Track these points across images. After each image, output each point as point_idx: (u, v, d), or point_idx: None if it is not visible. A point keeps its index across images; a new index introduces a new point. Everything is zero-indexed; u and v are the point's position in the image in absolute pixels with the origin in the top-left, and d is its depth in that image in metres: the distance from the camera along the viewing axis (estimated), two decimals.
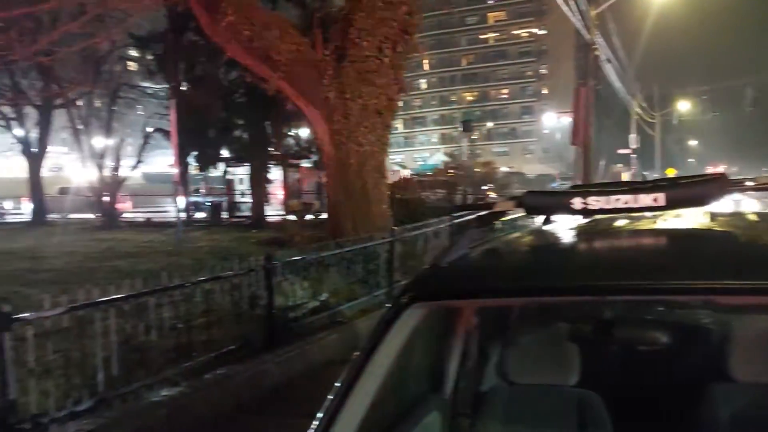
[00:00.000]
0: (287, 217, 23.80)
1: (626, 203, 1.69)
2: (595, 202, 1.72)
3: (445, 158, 27.82)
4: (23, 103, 25.52)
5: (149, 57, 25.67)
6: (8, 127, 26.44)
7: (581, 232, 2.10)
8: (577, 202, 1.74)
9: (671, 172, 33.19)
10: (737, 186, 1.69)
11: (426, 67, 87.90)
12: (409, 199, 14.23)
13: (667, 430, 1.98)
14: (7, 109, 25.65)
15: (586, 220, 2.25)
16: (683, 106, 52.03)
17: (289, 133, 25.86)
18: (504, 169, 45.57)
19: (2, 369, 3.97)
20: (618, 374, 2.20)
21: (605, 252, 1.85)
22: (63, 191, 34.57)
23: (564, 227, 2.14)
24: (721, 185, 1.59)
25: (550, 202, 1.92)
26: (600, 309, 2.15)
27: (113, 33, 22.04)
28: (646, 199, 1.65)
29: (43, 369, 4.43)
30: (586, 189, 1.79)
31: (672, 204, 1.63)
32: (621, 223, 2.13)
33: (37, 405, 4.26)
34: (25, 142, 26.51)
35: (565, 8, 18.63)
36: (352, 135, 9.84)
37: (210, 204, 28.05)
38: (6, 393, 3.98)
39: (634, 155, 36.67)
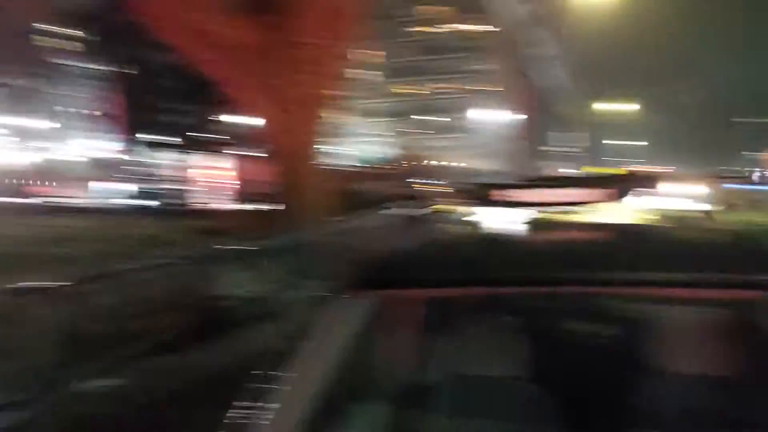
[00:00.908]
0: (226, 206, 23.47)
1: (575, 197, 1.70)
2: (522, 195, 1.74)
3: (386, 151, 27.96)
4: None
5: (85, 37, 24.66)
6: None
7: (525, 224, 2.10)
8: (500, 195, 1.77)
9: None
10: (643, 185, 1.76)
11: (369, 58, 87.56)
12: (346, 190, 14.14)
13: (617, 426, 1.99)
14: None
15: (531, 214, 2.26)
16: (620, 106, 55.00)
17: (228, 120, 25.37)
18: (445, 163, 46.16)
19: None
20: (566, 367, 2.21)
21: (555, 243, 1.85)
22: None
23: (507, 220, 2.14)
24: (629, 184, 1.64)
25: (480, 194, 1.93)
26: (551, 301, 2.15)
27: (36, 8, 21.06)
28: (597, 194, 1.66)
29: None
30: (510, 183, 1.81)
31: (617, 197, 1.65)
32: (561, 217, 2.14)
33: None
34: None
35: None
36: (293, 124, 9.68)
37: (152, 192, 27.18)
38: None
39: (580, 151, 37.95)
